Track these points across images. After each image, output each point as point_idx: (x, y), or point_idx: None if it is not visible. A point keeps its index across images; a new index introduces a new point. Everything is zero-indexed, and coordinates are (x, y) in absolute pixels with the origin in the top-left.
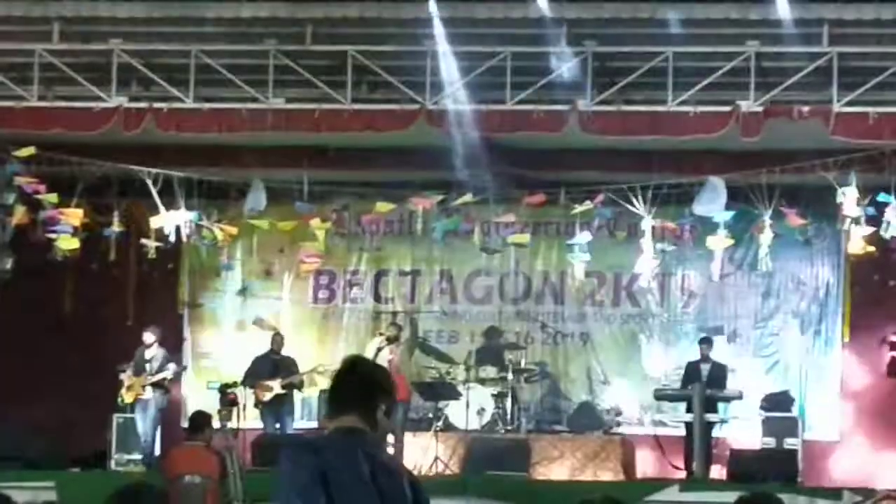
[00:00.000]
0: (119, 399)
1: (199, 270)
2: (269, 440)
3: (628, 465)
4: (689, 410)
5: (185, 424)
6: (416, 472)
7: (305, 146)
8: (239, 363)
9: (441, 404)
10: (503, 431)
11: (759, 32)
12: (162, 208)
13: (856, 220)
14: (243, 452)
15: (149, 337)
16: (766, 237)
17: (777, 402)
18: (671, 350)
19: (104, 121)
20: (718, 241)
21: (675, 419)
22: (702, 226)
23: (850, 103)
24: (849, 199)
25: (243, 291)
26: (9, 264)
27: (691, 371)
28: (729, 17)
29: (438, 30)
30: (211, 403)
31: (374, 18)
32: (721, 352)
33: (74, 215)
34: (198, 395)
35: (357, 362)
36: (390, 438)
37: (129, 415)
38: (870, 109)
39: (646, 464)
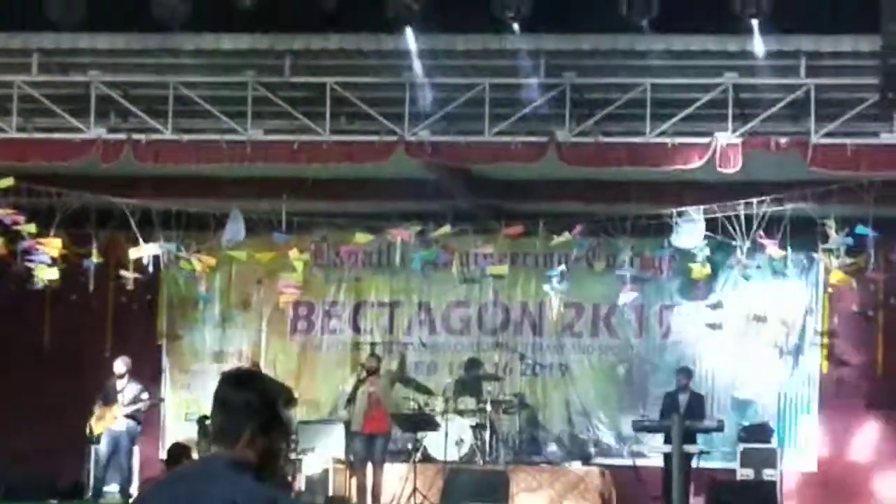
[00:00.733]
0: (87, 429)
1: (178, 301)
2: None
3: (607, 496)
4: (667, 441)
5: (164, 456)
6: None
7: (284, 177)
8: None
9: (420, 435)
10: (482, 462)
11: (737, 64)
12: (140, 239)
13: (835, 252)
14: None
15: (119, 367)
16: (742, 267)
17: (755, 432)
18: (649, 381)
19: (83, 152)
20: (697, 273)
21: (654, 450)
22: (680, 257)
23: (827, 135)
24: (827, 230)
25: (222, 323)
26: None
27: (670, 402)
28: (707, 49)
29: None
30: (190, 435)
31: (352, 50)
32: (700, 382)
33: (53, 245)
34: (177, 427)
35: (221, 381)
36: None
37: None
38: (847, 141)
39: (624, 495)
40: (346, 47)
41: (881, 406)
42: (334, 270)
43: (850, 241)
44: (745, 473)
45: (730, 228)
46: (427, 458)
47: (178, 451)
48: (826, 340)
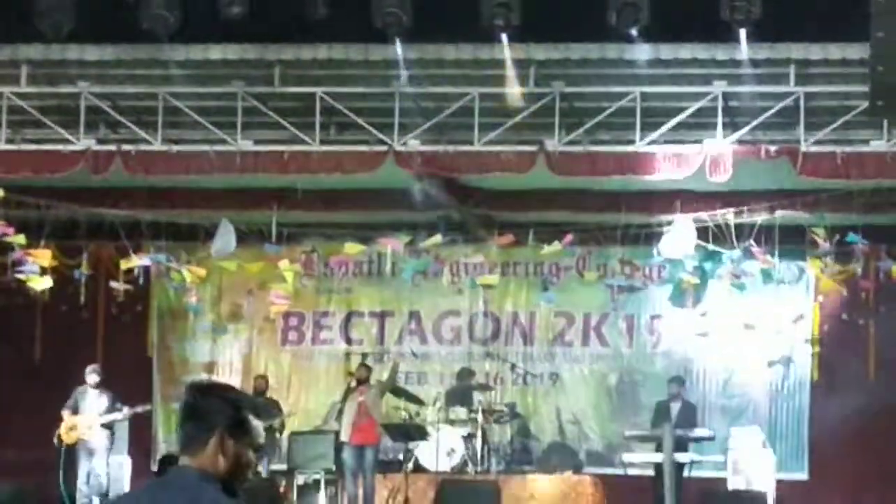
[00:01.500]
0: (56, 439)
1: (168, 313)
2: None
3: None
4: (658, 450)
5: (155, 467)
6: None
7: (274, 188)
8: None
9: (411, 446)
10: (473, 472)
11: (726, 72)
12: (130, 251)
13: (824, 260)
14: None
15: (92, 377)
16: (732, 276)
17: (747, 441)
18: (640, 390)
19: (72, 163)
20: (688, 283)
21: (645, 460)
22: (670, 266)
23: (817, 143)
24: (817, 238)
25: (212, 334)
26: None
27: (661, 411)
28: (696, 58)
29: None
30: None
31: (341, 60)
32: (691, 391)
33: (43, 256)
34: (168, 438)
35: (189, 390)
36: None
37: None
38: (837, 149)
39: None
40: (335, 57)
41: (873, 414)
42: (325, 281)
43: (838, 249)
44: (736, 482)
45: (720, 237)
46: (418, 469)
47: (170, 463)
48: (817, 349)
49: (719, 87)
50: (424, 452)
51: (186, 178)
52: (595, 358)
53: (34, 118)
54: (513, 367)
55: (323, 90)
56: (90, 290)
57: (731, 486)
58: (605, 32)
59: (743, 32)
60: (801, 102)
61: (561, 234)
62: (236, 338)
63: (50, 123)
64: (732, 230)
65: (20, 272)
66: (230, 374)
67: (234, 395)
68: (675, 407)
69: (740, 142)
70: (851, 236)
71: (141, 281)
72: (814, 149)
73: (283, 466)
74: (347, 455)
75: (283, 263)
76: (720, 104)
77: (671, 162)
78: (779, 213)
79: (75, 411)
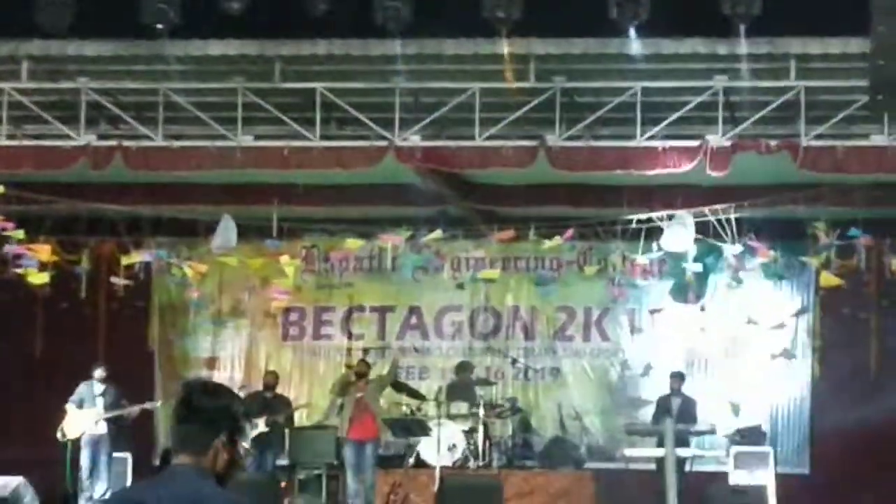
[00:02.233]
0: (59, 433)
1: (169, 308)
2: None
3: (600, 501)
4: (660, 445)
5: (157, 462)
6: None
7: (274, 183)
8: None
9: (412, 441)
10: (475, 467)
11: (727, 67)
12: (131, 246)
13: (825, 255)
14: None
15: (99, 372)
16: (733, 271)
17: (748, 436)
18: (641, 385)
19: (73, 159)
20: (688, 277)
21: (647, 454)
22: (671, 261)
23: (817, 137)
24: (821, 232)
25: (213, 329)
26: None
27: (662, 406)
28: (697, 52)
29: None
30: None
31: (342, 55)
32: (691, 386)
33: (42, 251)
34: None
35: (191, 390)
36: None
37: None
38: (837, 143)
39: (617, 499)
40: (335, 52)
41: (874, 409)
42: (325, 276)
43: (839, 243)
44: (737, 477)
45: (720, 232)
46: (420, 464)
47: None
48: (818, 343)
49: (720, 82)
50: (426, 447)
51: (187, 173)
52: (596, 353)
53: (35, 114)
54: (514, 361)
55: (323, 86)
56: (91, 286)
57: (732, 481)
58: (606, 27)
59: (743, 28)
60: (802, 97)
61: (562, 228)
62: (237, 333)
63: (50, 119)
64: (733, 225)
65: (18, 266)
66: (231, 370)
67: (237, 402)
68: (676, 402)
69: (741, 136)
70: (853, 230)
71: (142, 276)
72: (814, 143)
73: (285, 461)
74: (348, 450)
75: (284, 259)
76: (721, 99)
77: (672, 157)
78: (779, 208)
79: (80, 406)
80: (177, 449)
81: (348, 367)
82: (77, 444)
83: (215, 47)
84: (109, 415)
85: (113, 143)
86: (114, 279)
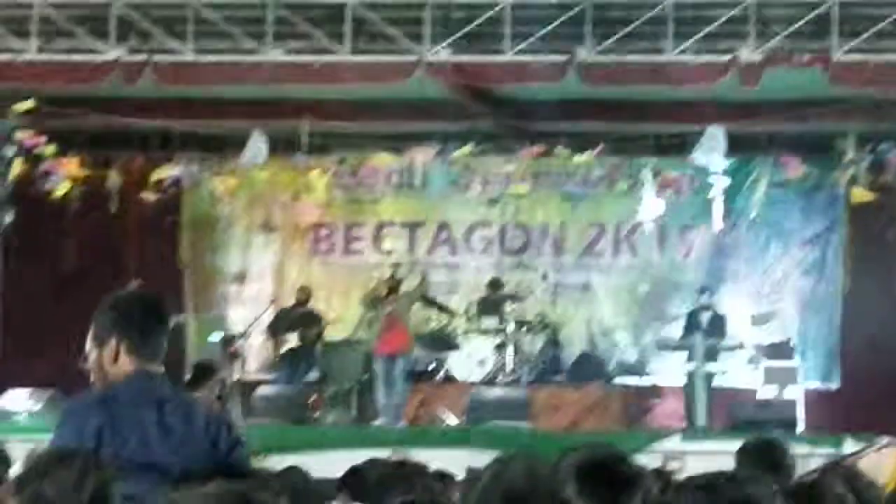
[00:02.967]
0: None
1: (200, 223)
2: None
3: (629, 415)
4: (689, 360)
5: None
6: (416, 423)
7: (304, 98)
8: (240, 316)
9: (441, 355)
10: (504, 382)
11: None
12: (162, 162)
13: (856, 168)
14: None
15: (134, 286)
16: (763, 185)
17: (778, 351)
18: (671, 300)
19: (103, 74)
20: (717, 191)
21: (676, 370)
22: (701, 176)
23: (849, 51)
24: (849, 147)
25: (243, 244)
26: (9, 218)
27: (692, 320)
28: None
29: None
30: (213, 354)
31: None
32: (721, 301)
33: (73, 165)
34: (199, 348)
35: (161, 306)
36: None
37: None
38: (870, 58)
39: (647, 413)
40: None
41: None
42: (355, 191)
43: (871, 157)
44: (767, 391)
45: (752, 146)
46: (449, 379)
47: (202, 372)
48: (848, 259)
49: None
50: (455, 362)
51: (217, 88)
52: (626, 268)
53: (65, 28)
54: (543, 277)
55: (353, 0)
56: (121, 202)
57: (760, 396)
58: None
59: None
60: (835, 11)
61: (592, 144)
62: (267, 248)
63: (80, 33)
64: (764, 139)
65: (54, 186)
66: (261, 284)
67: None
68: (706, 316)
69: (772, 51)
70: (883, 146)
71: (172, 192)
72: (846, 58)
73: (316, 376)
74: (378, 365)
75: (314, 174)
76: (753, 13)
77: (702, 71)
78: (810, 123)
79: None
80: (145, 355)
81: (378, 281)
82: None
83: None
84: None
85: (143, 57)
86: (144, 194)
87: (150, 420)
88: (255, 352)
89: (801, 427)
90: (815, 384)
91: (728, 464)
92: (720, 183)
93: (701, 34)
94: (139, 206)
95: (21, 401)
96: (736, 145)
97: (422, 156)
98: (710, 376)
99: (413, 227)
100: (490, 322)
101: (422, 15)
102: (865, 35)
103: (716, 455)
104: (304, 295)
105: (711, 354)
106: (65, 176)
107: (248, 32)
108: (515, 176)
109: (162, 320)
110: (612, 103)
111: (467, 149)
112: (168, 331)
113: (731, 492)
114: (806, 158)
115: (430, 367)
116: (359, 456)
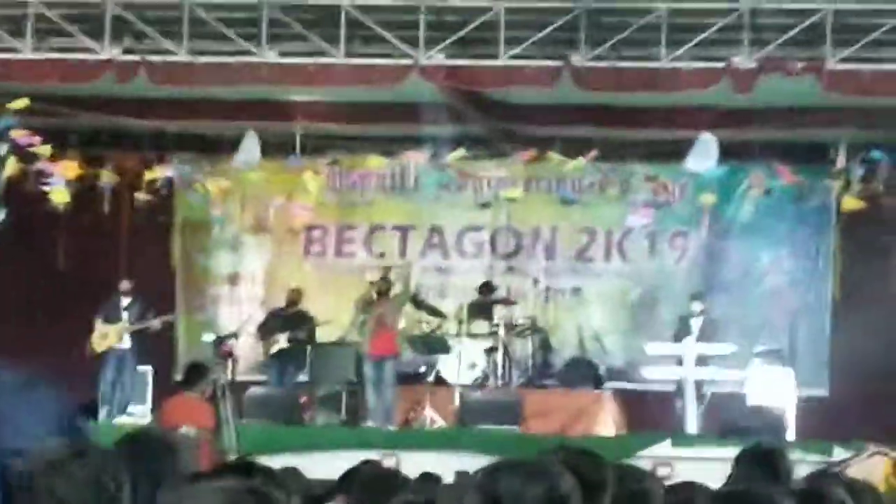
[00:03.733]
0: (89, 347)
1: (192, 224)
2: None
3: (619, 420)
4: (680, 365)
5: (179, 377)
6: (406, 426)
7: (298, 100)
8: (232, 316)
9: (432, 358)
10: (494, 386)
11: None
12: (154, 161)
13: (848, 177)
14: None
15: (125, 285)
16: (755, 193)
17: (768, 358)
18: (662, 305)
19: (97, 73)
20: (709, 199)
21: (666, 376)
22: (693, 182)
23: (843, 60)
24: (841, 155)
25: (236, 245)
26: (1, 216)
27: (683, 326)
28: None
29: None
30: (204, 356)
31: None
32: (712, 307)
33: (70, 167)
34: (191, 348)
35: None
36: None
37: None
38: (863, 66)
39: (636, 419)
40: None
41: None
42: (348, 194)
43: (862, 166)
44: (757, 398)
45: (744, 154)
46: (440, 382)
47: (195, 372)
48: (839, 267)
49: (746, 2)
50: (446, 366)
51: (211, 89)
52: (617, 273)
53: (59, 27)
54: (535, 281)
55: (348, 2)
56: (113, 202)
57: (751, 402)
58: None
59: None
60: (829, 19)
61: (584, 149)
62: (259, 249)
63: (75, 32)
64: (757, 147)
65: (44, 184)
66: (252, 286)
67: None
68: (697, 323)
69: (767, 58)
70: (874, 153)
71: (165, 192)
72: (840, 66)
73: (306, 378)
74: (368, 367)
75: (307, 175)
76: (747, 21)
77: (696, 78)
78: (803, 131)
79: (108, 319)
80: None
81: (370, 284)
82: (103, 358)
83: None
84: (134, 328)
85: (137, 57)
86: (136, 195)
87: None
88: (247, 353)
89: (790, 434)
90: (806, 391)
91: (717, 470)
92: (711, 190)
93: (695, 41)
94: (132, 206)
95: None
96: (728, 152)
97: (414, 159)
98: (700, 382)
99: (405, 229)
100: (481, 326)
101: (416, 18)
102: (859, 44)
103: (706, 461)
104: (295, 296)
105: (702, 361)
106: (60, 176)
107: (242, 34)
108: (508, 180)
109: None
110: (605, 109)
111: (460, 152)
112: None
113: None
114: (798, 166)
115: (421, 370)
116: (350, 457)
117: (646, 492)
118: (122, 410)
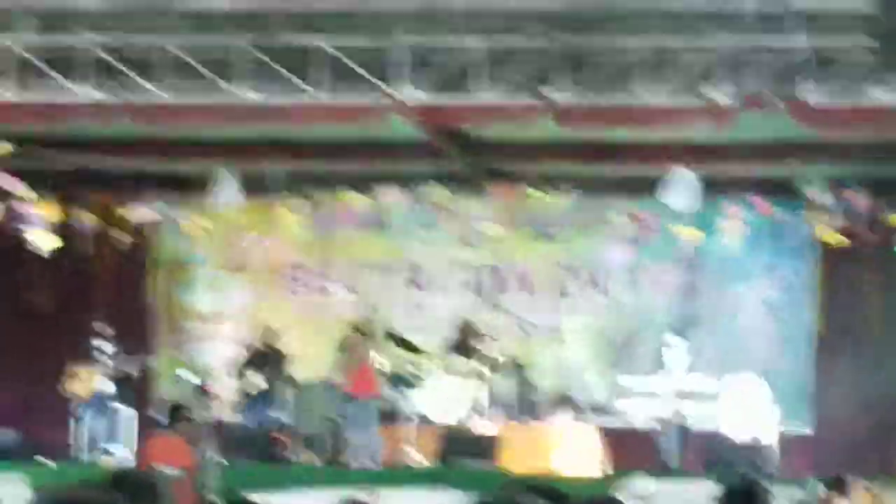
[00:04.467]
0: (64, 388)
1: (171, 262)
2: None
3: (602, 455)
4: (661, 401)
5: (158, 415)
6: (387, 463)
7: (277, 139)
8: (212, 355)
9: (411, 395)
10: (475, 422)
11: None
12: (133, 201)
13: (824, 212)
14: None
15: (102, 327)
16: (733, 227)
17: (751, 393)
18: (642, 340)
19: (76, 114)
20: (690, 234)
21: (647, 411)
22: (672, 217)
23: (821, 95)
24: (818, 189)
25: (215, 283)
26: None
27: (663, 361)
28: (704, 11)
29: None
30: (184, 395)
31: (346, 12)
32: (692, 342)
33: (50, 210)
34: (171, 387)
35: None
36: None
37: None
38: (841, 101)
39: (619, 455)
40: (339, 8)
41: (877, 367)
42: (327, 231)
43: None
44: (740, 434)
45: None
46: (421, 419)
47: (178, 413)
48: (819, 301)
49: (725, 39)
50: (427, 403)
51: (191, 128)
52: (597, 308)
53: (39, 69)
54: (515, 318)
55: (325, 41)
56: (94, 240)
57: (733, 438)
58: None
59: None
60: (808, 55)
61: (564, 184)
62: (239, 287)
63: (54, 75)
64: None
65: (28, 227)
66: (232, 323)
67: None
68: (677, 357)
69: (746, 95)
70: (853, 187)
71: (144, 231)
72: (817, 101)
73: (287, 417)
74: (350, 406)
75: (285, 213)
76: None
77: (676, 114)
78: (779, 166)
79: (85, 362)
80: None
81: (350, 323)
82: (84, 402)
83: (219, 2)
84: (114, 373)
85: (117, 98)
86: (116, 234)
87: None
88: (226, 392)
89: (773, 470)
90: (789, 427)
91: None
92: (690, 227)
93: (676, 78)
94: (111, 246)
95: None
96: (707, 186)
97: (393, 196)
98: (682, 417)
99: (385, 267)
100: (461, 362)
101: (395, 56)
102: (838, 79)
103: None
104: (269, 335)
105: (682, 395)
106: (41, 219)
107: (221, 73)
108: (487, 216)
109: None
110: (584, 145)
111: (440, 189)
112: None
113: None
114: (777, 200)
115: (402, 408)
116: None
117: None
118: (104, 451)
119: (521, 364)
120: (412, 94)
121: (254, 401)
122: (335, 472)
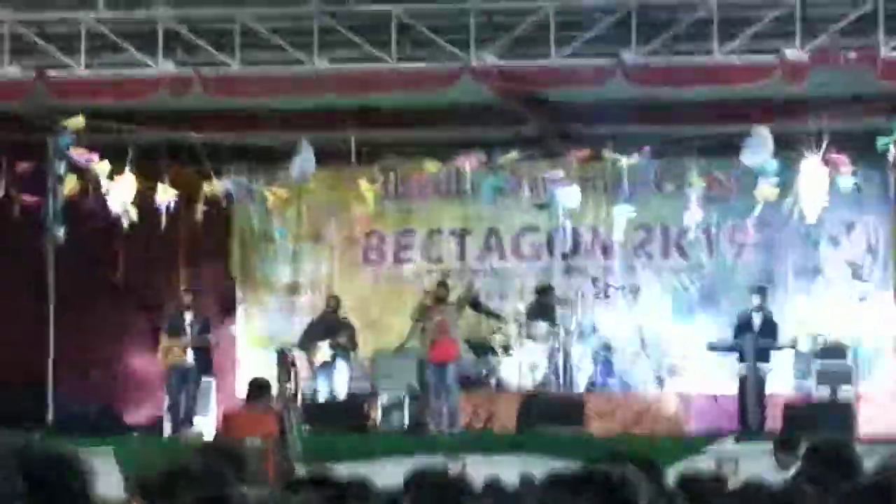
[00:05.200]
0: (159, 361)
1: (251, 235)
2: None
3: (681, 419)
4: (741, 361)
5: (241, 387)
6: (469, 429)
7: (351, 107)
8: (293, 327)
9: (493, 362)
10: (555, 388)
11: None
12: (212, 174)
13: None
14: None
15: (186, 298)
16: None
17: (831, 351)
18: (722, 301)
19: (152, 88)
20: (765, 192)
21: (728, 371)
22: (749, 176)
23: None
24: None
25: (294, 255)
26: (61, 233)
27: (743, 321)
28: None
29: None
30: (266, 367)
31: None
32: (773, 302)
33: (130, 184)
34: (252, 359)
35: None
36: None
37: None
38: None
39: (699, 417)
40: None
41: None
42: (404, 200)
43: None
44: (820, 392)
45: (800, 146)
46: (501, 385)
47: (259, 387)
48: None
49: None
50: (507, 369)
51: (265, 100)
52: (675, 270)
53: (112, 43)
54: (594, 281)
55: (398, 7)
56: (173, 215)
57: (814, 396)
58: None
59: None
60: (881, 7)
61: (638, 146)
62: (318, 258)
63: (128, 48)
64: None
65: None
66: (312, 294)
67: None
68: (758, 317)
69: (818, 49)
70: None
71: (223, 204)
72: (893, 54)
73: (367, 385)
74: (429, 373)
75: (363, 183)
76: (798, 12)
77: (749, 71)
78: (858, 121)
79: (172, 334)
80: None
81: (427, 290)
82: (167, 372)
83: None
84: (197, 343)
85: (191, 71)
86: (195, 207)
87: None
88: (306, 363)
89: (855, 428)
90: (869, 385)
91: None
92: (767, 183)
93: (747, 34)
94: (190, 220)
95: None
96: (783, 145)
97: (469, 162)
98: (762, 378)
99: (462, 234)
100: (541, 327)
101: (466, 21)
102: None
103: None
104: (334, 302)
105: (764, 356)
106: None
107: (293, 42)
108: (563, 180)
109: None
110: (658, 105)
111: (514, 154)
112: None
113: None
114: (854, 157)
115: (482, 374)
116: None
117: None
118: (188, 423)
119: (599, 327)
120: (484, 58)
121: (329, 370)
122: (417, 439)
